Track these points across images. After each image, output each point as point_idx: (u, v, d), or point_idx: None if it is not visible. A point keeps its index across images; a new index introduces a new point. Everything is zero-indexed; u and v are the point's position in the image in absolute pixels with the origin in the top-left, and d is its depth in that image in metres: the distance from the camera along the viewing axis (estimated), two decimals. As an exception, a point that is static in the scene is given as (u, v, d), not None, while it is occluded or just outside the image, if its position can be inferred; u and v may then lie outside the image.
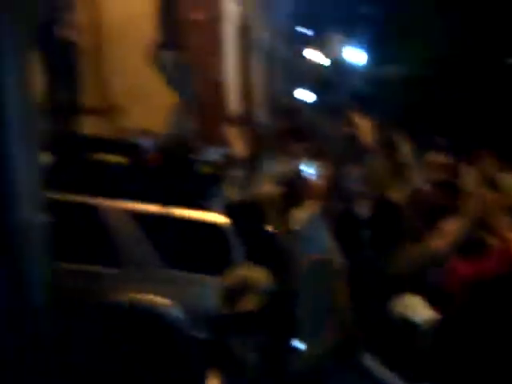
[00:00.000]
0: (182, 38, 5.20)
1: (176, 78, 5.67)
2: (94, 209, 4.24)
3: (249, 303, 2.82)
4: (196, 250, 4.23)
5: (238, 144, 9.59)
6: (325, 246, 4.24)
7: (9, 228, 1.99)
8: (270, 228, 4.87)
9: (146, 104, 7.13)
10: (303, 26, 34.29)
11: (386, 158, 9.75)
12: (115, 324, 4.14)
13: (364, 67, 33.35)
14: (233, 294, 2.77)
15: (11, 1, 1.94)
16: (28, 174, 2.01)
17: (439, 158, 10.10)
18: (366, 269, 3.49)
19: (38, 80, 2.44)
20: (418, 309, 2.40)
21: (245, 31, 12.64)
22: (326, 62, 27.60)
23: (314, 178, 5.45)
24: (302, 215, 4.15)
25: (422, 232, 3.52)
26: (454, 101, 17.57)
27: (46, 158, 4.01)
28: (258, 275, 3.01)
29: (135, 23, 4.96)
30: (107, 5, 8.17)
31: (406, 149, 11.29)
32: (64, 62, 5.31)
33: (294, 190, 4.50)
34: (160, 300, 4.08)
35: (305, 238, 4.11)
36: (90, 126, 5.86)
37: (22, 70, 2.00)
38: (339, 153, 9.24)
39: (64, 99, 5.42)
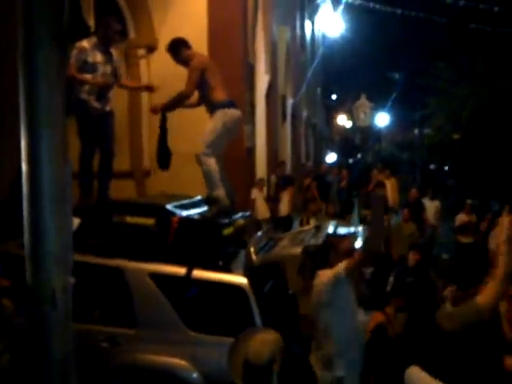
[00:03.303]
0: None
1: None
2: (117, 270, 4.29)
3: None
4: (215, 311, 4.18)
5: (262, 206, 9.67)
6: (349, 306, 4.16)
7: (38, 291, 2.01)
8: (291, 289, 4.80)
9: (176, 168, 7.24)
10: (334, 93, 35.10)
11: (413, 219, 9.59)
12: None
13: (391, 131, 33.62)
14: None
15: (46, 65, 1.98)
16: (59, 238, 2.03)
17: (468, 218, 9.94)
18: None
19: (72, 146, 2.50)
20: None
21: (275, 99, 12.97)
22: (356, 126, 28.01)
23: (341, 237, 5.39)
24: (328, 276, 4.08)
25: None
26: (480, 162, 17.42)
27: (74, 222, 4.08)
28: (272, 338, 2.94)
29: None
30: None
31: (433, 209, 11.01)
32: (99, 129, 5.50)
33: (321, 250, 4.44)
34: (177, 362, 4.02)
35: (328, 299, 4.04)
36: (119, 190, 5.97)
37: (57, 137, 2.02)
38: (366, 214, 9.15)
39: (98, 165, 5.58)
